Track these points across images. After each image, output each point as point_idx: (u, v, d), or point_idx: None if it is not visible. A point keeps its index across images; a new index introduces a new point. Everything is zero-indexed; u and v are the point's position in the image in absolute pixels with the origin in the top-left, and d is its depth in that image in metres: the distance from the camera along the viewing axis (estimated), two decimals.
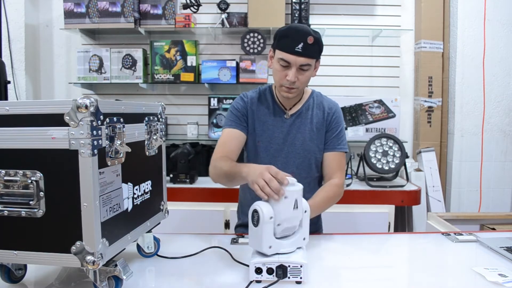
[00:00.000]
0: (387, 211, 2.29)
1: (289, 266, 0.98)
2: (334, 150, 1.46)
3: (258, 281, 0.98)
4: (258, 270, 0.98)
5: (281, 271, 0.98)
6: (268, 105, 1.48)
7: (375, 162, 2.41)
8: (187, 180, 2.34)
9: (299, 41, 1.28)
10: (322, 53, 1.38)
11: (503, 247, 1.21)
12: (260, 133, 1.46)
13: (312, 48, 1.30)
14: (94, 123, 0.80)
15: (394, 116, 2.71)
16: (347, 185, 2.30)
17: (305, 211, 1.06)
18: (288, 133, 1.46)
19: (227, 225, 2.28)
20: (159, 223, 1.16)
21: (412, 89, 2.89)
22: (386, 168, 2.40)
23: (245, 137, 1.46)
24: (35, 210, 0.82)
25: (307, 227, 1.07)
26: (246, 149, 1.51)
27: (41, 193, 0.82)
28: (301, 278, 0.98)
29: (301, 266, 0.98)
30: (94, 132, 0.80)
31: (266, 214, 0.98)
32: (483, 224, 2.02)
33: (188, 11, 2.60)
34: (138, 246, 1.14)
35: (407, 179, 2.53)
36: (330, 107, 1.49)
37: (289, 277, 0.98)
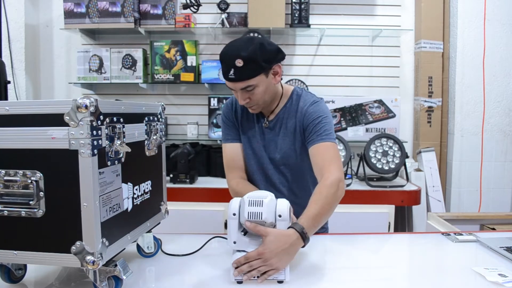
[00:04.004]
0: (387, 211, 2.29)
1: None
2: (315, 142, 1.26)
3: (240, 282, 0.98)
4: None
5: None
6: (248, 113, 1.40)
7: (375, 162, 2.41)
8: (187, 180, 2.34)
9: (229, 67, 1.18)
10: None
11: (503, 247, 1.21)
12: (245, 143, 1.43)
13: (245, 69, 1.17)
14: (94, 123, 0.80)
15: (394, 116, 2.71)
16: (347, 185, 2.30)
17: (279, 216, 0.99)
18: (268, 145, 1.39)
19: (227, 225, 2.27)
20: (159, 223, 1.16)
21: (412, 89, 2.89)
22: (386, 168, 2.40)
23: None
24: (35, 210, 0.82)
25: None
26: None
27: (41, 193, 0.82)
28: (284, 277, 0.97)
29: None
30: (94, 132, 0.80)
31: (230, 210, 1.01)
32: (483, 224, 2.02)
33: (188, 11, 2.60)
34: (138, 246, 1.14)
35: (407, 179, 2.53)
36: (303, 105, 1.33)
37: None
